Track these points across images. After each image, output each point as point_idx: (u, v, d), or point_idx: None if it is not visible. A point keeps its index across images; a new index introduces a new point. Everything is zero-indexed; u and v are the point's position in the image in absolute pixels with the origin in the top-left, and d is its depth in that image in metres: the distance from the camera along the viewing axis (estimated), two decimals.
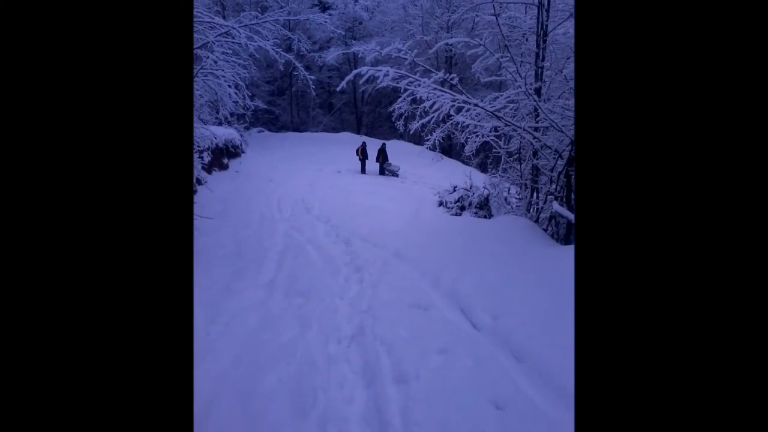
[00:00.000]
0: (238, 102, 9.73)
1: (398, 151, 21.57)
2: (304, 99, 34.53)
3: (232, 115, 11.25)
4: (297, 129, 33.20)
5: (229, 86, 9.16)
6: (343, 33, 30.29)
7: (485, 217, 9.78)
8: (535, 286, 4.81)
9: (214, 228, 8.81)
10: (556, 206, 6.62)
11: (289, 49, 27.40)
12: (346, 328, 4.76)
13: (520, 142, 8.27)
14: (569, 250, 5.43)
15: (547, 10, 7.51)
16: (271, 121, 33.60)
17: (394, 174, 18.69)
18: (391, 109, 8.29)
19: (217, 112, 10.15)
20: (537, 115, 7.40)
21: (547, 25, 7.52)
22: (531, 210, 8.15)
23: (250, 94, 10.46)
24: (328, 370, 3.94)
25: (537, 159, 7.81)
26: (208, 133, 11.02)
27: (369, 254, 7.32)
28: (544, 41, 7.56)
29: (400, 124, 7.96)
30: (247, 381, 3.74)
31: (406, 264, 6.70)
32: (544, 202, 7.72)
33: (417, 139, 22.67)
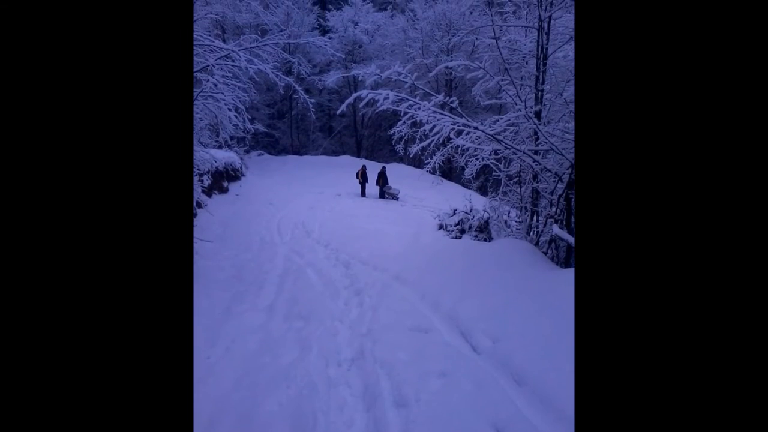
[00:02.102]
0: (238, 125, 9.75)
1: (398, 174, 21.68)
2: (304, 122, 34.72)
3: (232, 138, 11.27)
4: (297, 152, 33.35)
5: (229, 109, 9.19)
6: (343, 56, 30.57)
7: (485, 240, 9.76)
8: (535, 309, 4.79)
9: (213, 251, 8.82)
10: (556, 229, 6.61)
11: (289, 73, 27.68)
12: (346, 351, 4.74)
13: (520, 165, 8.29)
14: (569, 273, 5.42)
15: (547, 34, 7.56)
16: (271, 144, 33.73)
17: (394, 197, 18.76)
18: (391, 132, 8.32)
19: (217, 135, 10.16)
20: (537, 138, 7.42)
21: (547, 49, 7.58)
22: (531, 233, 8.14)
23: (250, 117, 10.49)
24: (328, 393, 3.92)
25: (537, 182, 7.82)
26: (208, 156, 11.06)
27: (369, 277, 7.31)
28: (544, 64, 7.61)
29: (400, 147, 8.01)
30: (248, 404, 3.71)
31: (406, 287, 6.69)
32: (544, 225, 7.71)
33: (417, 162, 22.72)
